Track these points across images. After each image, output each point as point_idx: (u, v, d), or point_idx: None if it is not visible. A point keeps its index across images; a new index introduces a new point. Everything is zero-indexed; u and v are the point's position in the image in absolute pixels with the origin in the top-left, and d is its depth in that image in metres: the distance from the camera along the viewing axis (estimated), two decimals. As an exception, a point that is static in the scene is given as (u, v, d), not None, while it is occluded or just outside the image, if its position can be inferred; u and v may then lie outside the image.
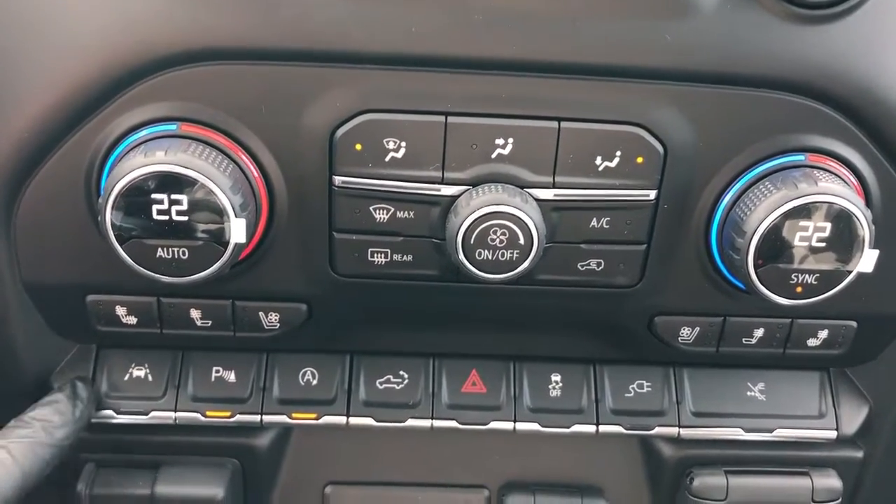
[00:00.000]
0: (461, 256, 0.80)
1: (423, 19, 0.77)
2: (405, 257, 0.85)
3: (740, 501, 1.04)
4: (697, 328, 0.94)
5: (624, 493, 1.11)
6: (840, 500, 1.05)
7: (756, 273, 0.81)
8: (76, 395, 0.92)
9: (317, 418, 1.00)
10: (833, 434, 1.04)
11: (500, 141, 0.80)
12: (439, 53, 0.78)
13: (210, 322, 0.92)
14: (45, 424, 0.87)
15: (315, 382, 1.00)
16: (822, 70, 0.79)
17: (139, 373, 0.99)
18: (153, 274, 0.79)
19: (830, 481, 1.05)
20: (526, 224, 0.79)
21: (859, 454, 1.07)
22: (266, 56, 0.78)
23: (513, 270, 0.81)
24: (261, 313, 0.92)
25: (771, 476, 1.05)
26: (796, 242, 0.80)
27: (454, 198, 0.81)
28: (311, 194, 0.82)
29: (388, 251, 0.85)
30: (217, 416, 0.99)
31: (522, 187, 0.81)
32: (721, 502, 1.04)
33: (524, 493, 1.08)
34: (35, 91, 0.79)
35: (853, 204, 0.78)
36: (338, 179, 0.81)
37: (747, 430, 1.03)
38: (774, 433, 1.03)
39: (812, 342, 0.96)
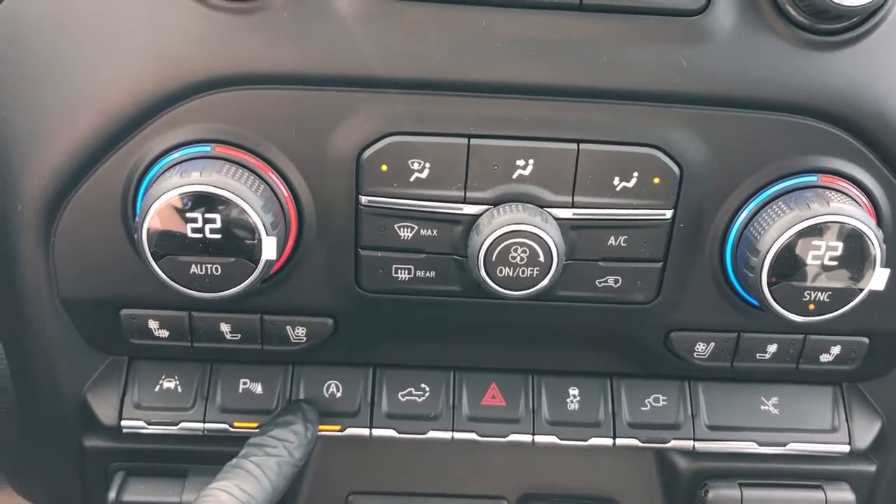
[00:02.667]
0: (483, 273, 0.83)
1: (447, 46, 0.80)
2: (428, 273, 0.88)
3: (755, 514, 1.06)
4: (712, 344, 0.96)
5: (640, 505, 1.12)
6: (853, 513, 1.07)
7: (770, 291, 0.83)
8: (307, 418, 0.97)
9: (341, 430, 1.02)
10: (846, 448, 1.05)
11: (520, 162, 0.82)
12: (462, 78, 0.81)
13: (239, 336, 0.95)
14: (287, 444, 0.92)
15: (339, 395, 1.03)
16: (834, 94, 0.82)
17: (169, 384, 1.02)
18: (187, 290, 0.82)
19: (843, 495, 1.06)
20: (546, 242, 0.81)
21: (872, 468, 1.08)
22: (296, 81, 0.80)
23: (533, 287, 0.84)
24: (288, 327, 0.94)
25: (785, 489, 1.06)
26: (809, 261, 0.81)
27: (476, 216, 0.84)
28: (338, 213, 0.85)
29: (412, 267, 0.88)
30: (244, 426, 1.01)
31: (542, 206, 0.83)
32: (736, 514, 1.06)
33: (542, 504, 1.10)
34: (74, 116, 0.82)
35: (864, 224, 0.80)
36: (364, 199, 0.84)
37: (761, 444, 1.04)
38: (788, 447, 1.04)
39: (825, 358, 0.98)
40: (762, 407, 1.05)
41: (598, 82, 0.81)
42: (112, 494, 1.03)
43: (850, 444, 1.05)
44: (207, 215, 0.79)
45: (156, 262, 0.80)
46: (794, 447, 1.05)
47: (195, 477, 1.03)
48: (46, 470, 1.07)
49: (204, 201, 0.78)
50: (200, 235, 0.79)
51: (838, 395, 1.06)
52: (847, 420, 1.05)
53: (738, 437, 1.04)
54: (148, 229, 0.79)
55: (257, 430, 1.00)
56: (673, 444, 1.04)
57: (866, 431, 1.06)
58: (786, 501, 1.06)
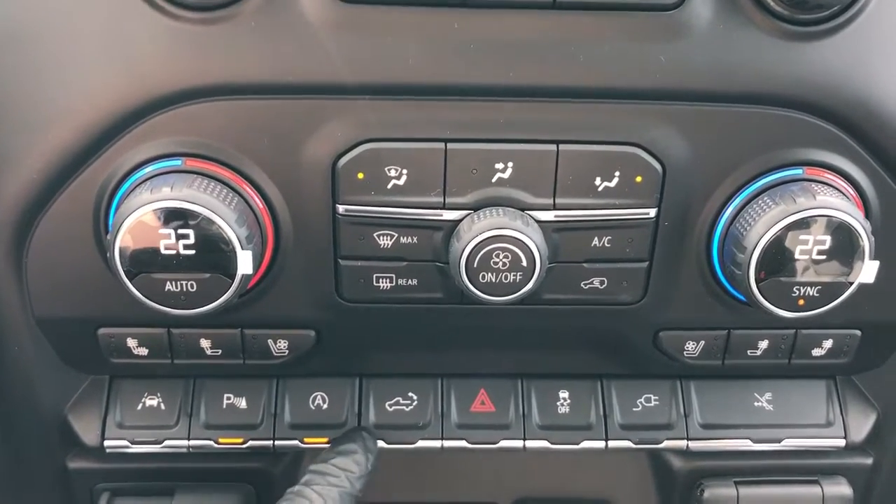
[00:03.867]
0: (465, 280, 0.81)
1: (419, 49, 0.78)
2: (410, 281, 0.86)
3: (751, 512, 1.05)
4: (702, 342, 0.95)
5: (635, 507, 1.11)
6: (851, 507, 1.06)
7: (758, 287, 0.81)
8: (367, 448, 0.96)
9: (328, 442, 1.01)
10: (842, 442, 1.04)
11: (499, 165, 0.81)
12: (436, 82, 0.79)
13: (220, 351, 0.93)
14: (349, 475, 0.91)
15: (325, 406, 1.01)
16: (816, 85, 0.80)
17: (152, 402, 1.00)
18: (163, 307, 0.80)
19: (841, 489, 1.05)
20: (528, 246, 0.80)
21: (868, 461, 1.07)
22: (266, 90, 0.79)
23: (516, 292, 0.82)
24: (270, 341, 0.93)
25: (781, 485, 1.05)
26: (797, 256, 0.80)
27: (456, 222, 0.82)
28: (316, 223, 0.84)
29: (393, 276, 0.86)
30: (230, 442, 1.00)
31: (523, 210, 0.82)
32: (732, 513, 1.05)
33: (536, 509, 1.09)
34: (41, 132, 0.81)
35: (852, 216, 0.79)
36: (341, 208, 0.82)
37: (756, 441, 1.03)
38: (783, 443, 1.04)
39: (817, 352, 0.97)
40: (755, 403, 1.04)
41: (576, 81, 0.79)
42: (98, 515, 1.01)
43: (845, 437, 1.05)
44: (180, 231, 0.77)
45: (130, 280, 0.79)
46: (789, 443, 1.04)
47: (182, 495, 1.02)
48: (30, 491, 1.05)
49: (176, 216, 0.76)
50: (174, 252, 0.78)
51: (832, 389, 1.05)
52: (842, 413, 1.05)
53: (733, 435, 1.03)
54: (120, 247, 0.77)
55: (242, 447, 0.98)
56: (666, 444, 1.03)
57: (862, 424, 1.05)
58: (783, 498, 1.05)
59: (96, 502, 1.03)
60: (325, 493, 0.88)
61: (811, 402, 1.05)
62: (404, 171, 0.81)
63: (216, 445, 1.00)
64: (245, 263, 0.78)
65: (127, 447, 0.99)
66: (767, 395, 1.04)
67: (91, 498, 1.04)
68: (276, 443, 1.00)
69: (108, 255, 0.79)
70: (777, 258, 0.80)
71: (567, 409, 1.03)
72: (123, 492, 1.03)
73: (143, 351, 0.93)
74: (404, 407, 1.02)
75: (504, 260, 0.80)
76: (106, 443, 0.99)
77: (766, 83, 0.80)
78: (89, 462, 1.02)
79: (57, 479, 1.02)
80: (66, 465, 1.01)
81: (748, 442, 1.03)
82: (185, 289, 0.79)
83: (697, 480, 1.06)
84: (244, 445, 1.00)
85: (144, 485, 1.03)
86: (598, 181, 0.82)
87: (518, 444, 1.02)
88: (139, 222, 0.76)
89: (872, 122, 0.82)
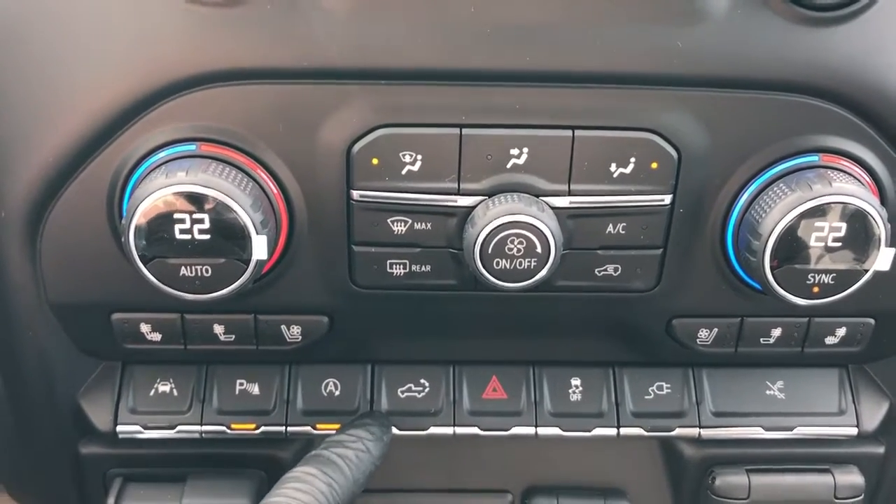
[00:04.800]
0: (479, 266, 0.81)
1: (434, 34, 0.78)
2: (424, 268, 0.86)
3: (763, 500, 1.04)
4: (715, 329, 0.95)
5: (646, 495, 1.11)
6: (863, 496, 1.05)
7: (772, 274, 0.81)
8: (381, 423, 0.96)
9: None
10: (854, 430, 1.04)
11: (514, 151, 0.80)
12: (451, 67, 0.79)
13: (233, 336, 0.93)
14: (365, 441, 0.92)
15: (338, 393, 1.01)
16: (833, 71, 0.80)
17: (164, 388, 1.00)
18: (177, 292, 0.80)
19: (852, 478, 1.05)
20: (542, 232, 0.79)
21: (881, 450, 1.07)
22: (281, 75, 0.78)
23: (531, 278, 0.82)
24: (283, 326, 0.93)
25: (793, 474, 1.05)
26: (812, 243, 0.80)
27: (471, 208, 0.82)
28: (330, 209, 0.83)
29: (407, 262, 0.86)
30: (242, 428, 1.00)
31: (538, 196, 0.82)
32: (743, 501, 1.05)
33: (547, 496, 1.09)
34: (55, 117, 0.80)
35: (868, 203, 0.79)
36: (356, 193, 0.82)
37: (768, 429, 1.03)
38: (795, 431, 1.03)
39: (830, 340, 0.96)
40: (768, 392, 1.04)
41: (592, 66, 0.79)
42: (111, 501, 1.01)
43: (857, 426, 1.04)
44: (195, 216, 0.77)
45: (144, 265, 0.79)
46: (801, 431, 1.03)
47: (194, 481, 1.02)
48: (43, 477, 1.05)
49: (191, 201, 0.76)
50: (189, 237, 0.77)
51: (844, 378, 1.05)
52: (854, 402, 1.04)
53: (745, 423, 1.03)
54: (135, 232, 0.77)
55: (255, 433, 0.98)
56: (678, 432, 1.03)
57: (874, 413, 1.05)
58: (794, 486, 1.05)
59: (108, 488, 1.03)
60: (343, 453, 0.88)
61: (823, 391, 1.04)
62: (419, 157, 0.80)
63: (229, 431, 1.00)
64: (260, 248, 0.78)
65: (139, 433, 1.00)
66: (779, 384, 1.04)
67: (103, 483, 1.04)
68: (289, 429, 1.00)
69: (122, 240, 0.78)
70: (792, 245, 0.80)
71: (579, 397, 1.03)
72: (136, 477, 1.03)
73: (157, 336, 0.93)
74: (416, 394, 1.02)
75: (518, 246, 0.80)
76: (118, 428, 0.99)
77: (783, 69, 0.79)
78: (102, 448, 1.02)
79: (70, 463, 1.03)
80: (79, 450, 1.02)
81: (760, 430, 1.03)
82: (199, 274, 0.79)
83: (709, 468, 1.06)
84: (256, 431, 1.00)
85: (156, 471, 1.03)
86: (613, 167, 0.81)
87: (530, 431, 1.02)
88: (154, 207, 0.76)
89: (889, 107, 0.81)
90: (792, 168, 0.82)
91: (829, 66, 0.80)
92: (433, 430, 1.01)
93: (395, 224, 0.84)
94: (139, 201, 0.76)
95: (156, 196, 0.76)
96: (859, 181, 0.82)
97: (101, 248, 0.85)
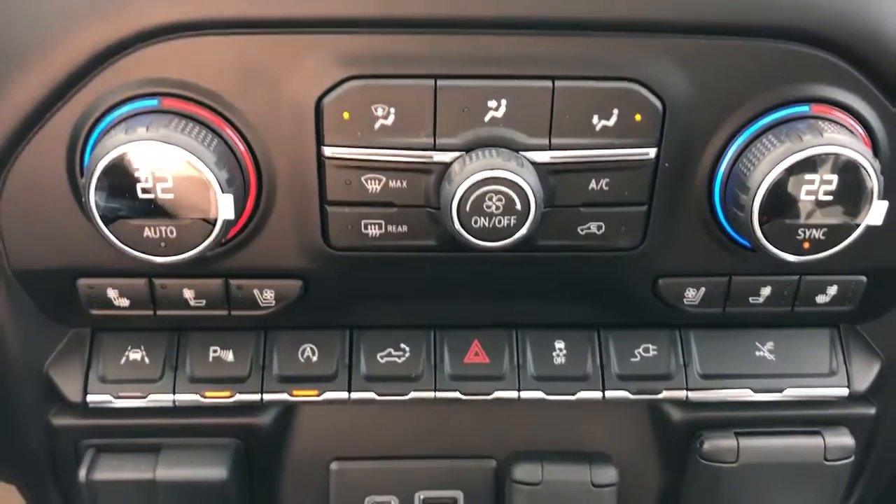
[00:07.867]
0: (457, 225, 0.78)
1: None
2: (400, 228, 0.83)
3: (752, 463, 1.02)
4: (703, 289, 0.92)
5: (633, 459, 1.09)
6: (853, 457, 1.03)
7: (761, 230, 0.78)
8: None
9: (318, 395, 0.98)
10: (845, 391, 1.02)
11: (492, 103, 0.77)
12: (425, 14, 0.75)
13: (204, 301, 0.90)
14: None
15: (315, 359, 0.99)
16: (823, 15, 0.77)
17: (135, 356, 0.97)
18: (141, 254, 0.77)
19: (843, 439, 1.03)
20: (522, 189, 0.76)
21: (872, 411, 1.05)
22: (244, 25, 0.75)
23: (511, 237, 0.79)
24: (255, 290, 0.90)
25: (782, 436, 1.03)
26: (802, 197, 0.77)
27: (447, 165, 0.79)
28: (301, 167, 0.80)
29: (383, 222, 0.83)
30: (217, 396, 0.97)
31: (518, 151, 0.78)
32: (732, 464, 1.03)
33: (531, 461, 1.06)
34: (10, 74, 0.77)
35: (860, 154, 0.76)
36: (327, 150, 0.79)
37: (757, 391, 1.01)
38: (784, 393, 1.01)
39: (821, 299, 0.94)
40: (757, 353, 1.02)
41: (572, 13, 0.75)
42: (83, 472, 0.99)
43: (848, 387, 1.02)
44: (157, 174, 0.74)
45: (106, 226, 0.76)
46: (791, 393, 1.02)
47: (168, 451, 0.99)
48: (14, 448, 1.03)
49: (152, 158, 0.73)
50: (151, 196, 0.74)
51: (836, 338, 1.03)
52: (845, 363, 1.02)
53: (733, 385, 1.01)
54: (95, 191, 0.74)
55: (230, 401, 0.96)
56: (665, 394, 1.01)
57: (865, 374, 1.03)
58: (784, 449, 1.03)
59: (81, 459, 1.00)
60: None
61: (814, 352, 1.02)
62: (392, 111, 0.77)
63: (203, 399, 0.97)
64: (226, 208, 0.75)
65: (110, 402, 0.97)
66: (769, 345, 1.02)
67: (76, 454, 1.01)
68: (265, 396, 0.98)
69: (83, 200, 0.75)
70: (782, 199, 0.77)
71: (563, 360, 1.00)
72: (108, 448, 1.00)
73: (125, 302, 0.90)
74: (396, 359, 1.00)
75: (497, 203, 0.77)
76: (89, 398, 0.97)
77: (771, 14, 0.76)
78: (72, 418, 0.99)
79: (41, 435, 1.00)
80: (50, 420, 0.99)
81: (749, 392, 1.01)
82: (164, 235, 0.76)
83: (697, 432, 1.04)
84: (231, 399, 0.97)
85: (130, 441, 1.00)
86: (595, 119, 0.78)
87: (513, 395, 0.99)
88: (114, 165, 0.73)
89: (883, 55, 0.78)
90: (781, 119, 0.79)
91: (820, 10, 0.76)
92: (414, 394, 0.99)
93: (370, 182, 0.80)
94: (99, 158, 0.73)
95: (115, 153, 0.73)
96: (851, 132, 0.79)
97: (63, 210, 0.82)
